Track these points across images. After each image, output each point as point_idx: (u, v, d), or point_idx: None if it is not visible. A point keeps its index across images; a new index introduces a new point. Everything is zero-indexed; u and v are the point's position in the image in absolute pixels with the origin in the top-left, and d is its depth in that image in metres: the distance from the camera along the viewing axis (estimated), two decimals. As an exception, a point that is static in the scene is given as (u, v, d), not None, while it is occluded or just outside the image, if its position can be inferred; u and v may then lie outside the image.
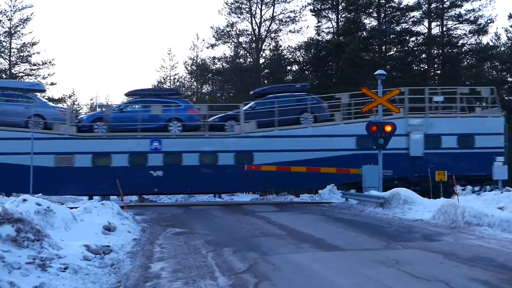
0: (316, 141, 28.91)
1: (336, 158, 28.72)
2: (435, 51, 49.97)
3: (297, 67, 53.57)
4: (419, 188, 28.50)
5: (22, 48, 54.75)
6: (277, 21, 52.23)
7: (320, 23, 51.28)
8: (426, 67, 49.98)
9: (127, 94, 31.20)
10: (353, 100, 31.17)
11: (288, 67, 54.41)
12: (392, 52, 50.71)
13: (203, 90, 63.36)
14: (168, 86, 64.40)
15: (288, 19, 52.13)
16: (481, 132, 29.28)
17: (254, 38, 52.45)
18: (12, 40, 54.24)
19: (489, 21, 48.53)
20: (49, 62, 55.36)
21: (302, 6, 53.32)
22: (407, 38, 49.17)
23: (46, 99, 53.30)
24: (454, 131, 29.41)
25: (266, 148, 28.78)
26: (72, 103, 59.95)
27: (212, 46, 54.13)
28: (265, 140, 28.92)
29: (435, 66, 51.39)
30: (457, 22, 48.89)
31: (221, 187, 29.49)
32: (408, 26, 49.17)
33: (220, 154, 28.71)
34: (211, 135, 29.28)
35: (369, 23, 49.87)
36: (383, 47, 49.44)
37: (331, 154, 28.76)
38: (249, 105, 30.61)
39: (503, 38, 59.72)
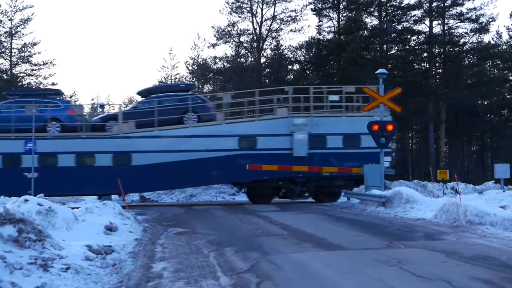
0: (197, 141, 28.17)
1: (218, 159, 28.09)
2: (437, 50, 49.90)
3: (298, 67, 53.54)
4: (305, 188, 28.50)
5: (23, 48, 54.71)
6: (278, 21, 52.16)
7: (321, 22, 51.29)
8: (427, 66, 49.90)
9: (8, 94, 30.28)
10: (243, 100, 31.04)
11: (289, 67, 54.38)
12: (393, 51, 50.65)
13: (204, 90, 63.34)
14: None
15: (289, 19, 52.05)
16: (367, 131, 28.14)
17: (255, 37, 52.39)
18: (13, 40, 54.23)
19: (490, 20, 48.50)
20: (50, 62, 55.34)
21: (303, 5, 53.38)
22: (409, 37, 49.07)
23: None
24: (339, 130, 28.74)
25: (145, 149, 27.90)
26: (73, 103, 59.88)
27: (213, 45, 54.08)
28: (144, 141, 28.08)
29: (437, 65, 51.31)
30: (459, 21, 48.83)
31: (99, 188, 28.19)
32: (409, 25, 49.09)
33: (97, 155, 27.90)
34: (88, 136, 28.34)
35: (370, 22, 49.85)
36: (384, 46, 49.36)
37: (213, 155, 28.10)
38: (132, 105, 30.07)
39: (505, 37, 59.77)
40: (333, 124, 28.93)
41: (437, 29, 49.55)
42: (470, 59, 52.03)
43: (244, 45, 53.94)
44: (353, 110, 30.34)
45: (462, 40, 49.65)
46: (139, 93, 31.89)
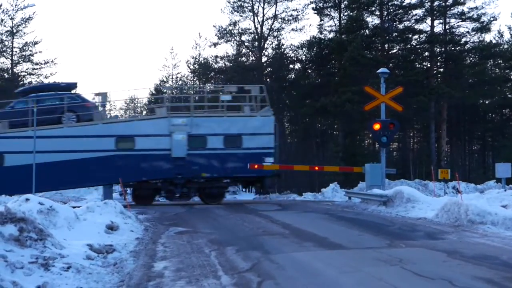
0: (74, 141, 27.15)
1: (95, 159, 27.27)
2: (438, 49, 49.78)
3: (299, 66, 53.49)
4: (185, 189, 27.91)
5: (24, 47, 54.67)
6: (279, 20, 52.06)
7: (322, 22, 51.14)
8: (429, 65, 49.80)
9: None
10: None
11: (291, 66, 54.32)
12: (394, 50, 50.55)
13: (206, 89, 63.29)
14: (170, 85, 64.34)
15: (291, 18, 51.95)
16: (249, 132, 28.02)
17: (256, 36, 52.32)
18: (14, 39, 54.19)
19: (492, 19, 48.32)
20: (51, 61, 55.34)
21: (305, 5, 53.10)
22: (410, 36, 48.97)
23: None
24: (220, 131, 28.06)
25: (19, 149, 26.73)
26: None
27: (215, 44, 53.96)
28: (18, 141, 26.97)
29: (438, 64, 51.24)
30: (460, 20, 48.68)
31: None
32: (410, 24, 48.97)
33: None
34: None
35: (371, 21, 49.72)
36: (386, 45, 49.29)
37: (90, 155, 27.23)
38: (9, 105, 29.32)
39: (506, 36, 59.69)
40: (214, 124, 28.32)
41: (438, 28, 49.44)
42: (471, 58, 51.94)
43: (246, 44, 53.89)
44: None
45: (464, 39, 49.52)
46: (17, 92, 31.17)
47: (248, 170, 27.51)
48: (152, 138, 27.79)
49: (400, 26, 48.84)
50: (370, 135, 41.42)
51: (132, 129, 28.00)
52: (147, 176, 27.70)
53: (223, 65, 54.40)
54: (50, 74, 55.65)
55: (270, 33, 52.31)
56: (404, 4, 48.37)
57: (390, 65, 44.92)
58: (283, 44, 53.00)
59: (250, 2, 51.60)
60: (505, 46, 57.88)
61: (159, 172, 27.56)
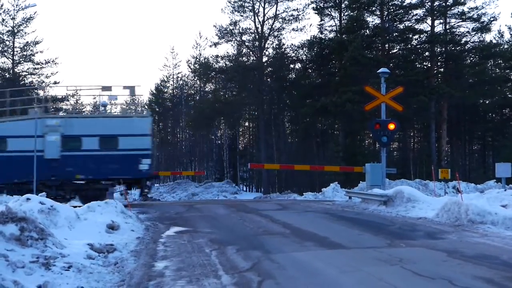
0: None
1: None
2: (438, 49, 49.87)
3: (300, 66, 53.55)
4: (62, 192, 27.14)
5: (25, 47, 54.82)
6: (280, 20, 52.12)
7: (323, 21, 51.24)
8: (429, 65, 49.89)
9: None
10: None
11: (291, 66, 54.38)
12: (395, 50, 50.64)
13: (206, 89, 63.38)
14: (171, 85, 64.33)
15: (291, 17, 52.01)
16: (126, 133, 27.44)
17: (257, 36, 52.34)
18: (15, 39, 54.31)
19: (492, 19, 48.41)
20: (52, 61, 55.47)
21: (305, 4, 53.30)
22: (410, 36, 49.08)
23: (49, 98, 53.42)
24: (96, 132, 27.41)
25: None
26: (75, 102, 59.98)
27: (215, 44, 53.98)
28: None
29: (438, 64, 51.31)
30: (460, 20, 48.76)
31: None
32: (411, 24, 49.09)
33: None
34: None
35: (372, 21, 49.86)
36: (386, 45, 49.35)
37: None
38: None
39: (506, 36, 59.86)
40: (89, 125, 27.81)
41: (438, 28, 49.55)
42: (471, 58, 52.01)
43: (246, 44, 53.92)
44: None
45: (464, 39, 49.61)
46: None
47: (124, 172, 27.09)
48: (24, 139, 26.99)
49: (401, 26, 48.95)
50: (371, 135, 41.50)
51: (4, 130, 27.31)
52: (19, 177, 26.87)
53: (224, 65, 54.45)
54: (51, 73, 55.84)
55: (271, 33, 52.37)
56: (404, 4, 48.50)
57: (391, 65, 45.02)
58: (283, 44, 53.17)
59: (251, 2, 51.66)
60: (505, 46, 57.98)
61: (32, 174, 26.53)
